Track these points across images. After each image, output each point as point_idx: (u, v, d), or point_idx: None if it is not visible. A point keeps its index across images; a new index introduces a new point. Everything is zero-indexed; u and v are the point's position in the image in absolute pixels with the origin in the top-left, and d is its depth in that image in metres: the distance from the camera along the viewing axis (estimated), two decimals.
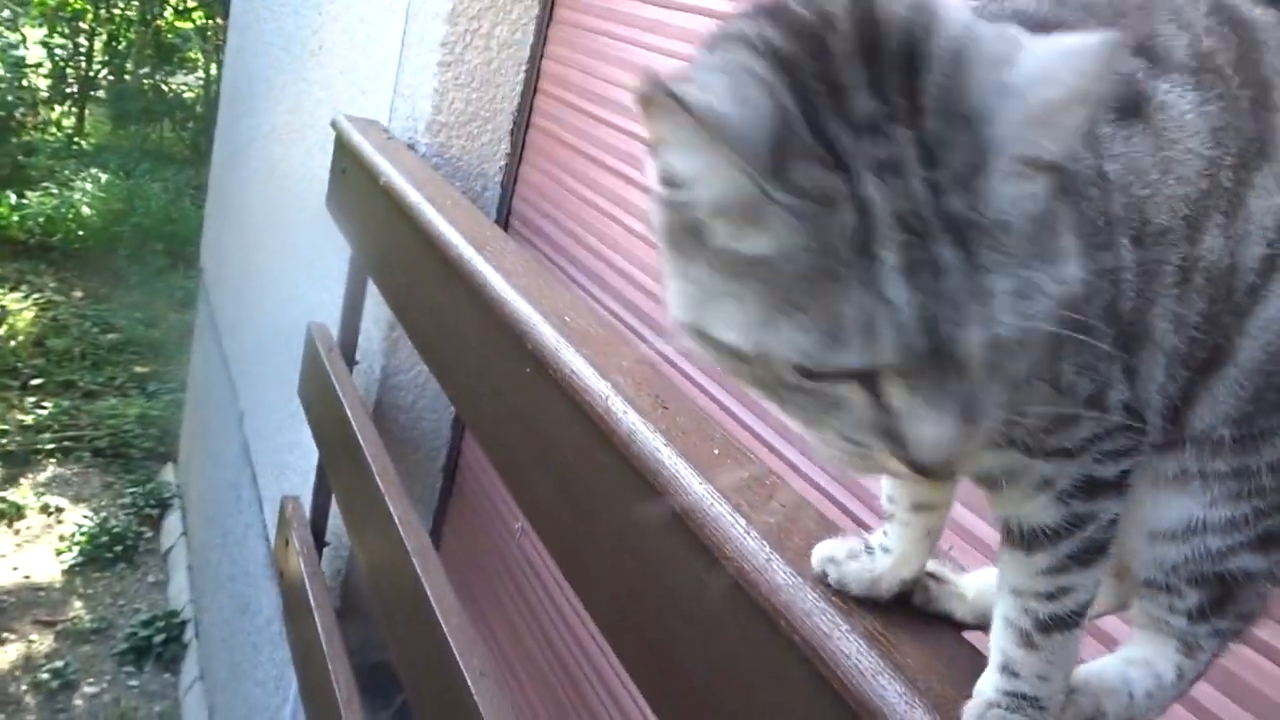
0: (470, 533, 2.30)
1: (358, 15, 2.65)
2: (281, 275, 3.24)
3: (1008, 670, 0.61)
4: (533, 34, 2.14)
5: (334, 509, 2.26)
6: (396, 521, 1.61)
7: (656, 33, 1.80)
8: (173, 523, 5.01)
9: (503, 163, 2.20)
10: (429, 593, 1.43)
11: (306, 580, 2.08)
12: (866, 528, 1.20)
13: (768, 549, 0.78)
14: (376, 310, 2.19)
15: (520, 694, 1.94)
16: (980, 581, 0.73)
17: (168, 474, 5.40)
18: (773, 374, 0.47)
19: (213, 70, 8.90)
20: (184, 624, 4.37)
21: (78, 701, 4.04)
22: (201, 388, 4.80)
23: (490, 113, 2.16)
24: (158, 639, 4.30)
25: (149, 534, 5.03)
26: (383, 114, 2.31)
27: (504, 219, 2.23)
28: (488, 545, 2.18)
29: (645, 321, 1.69)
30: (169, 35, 9.31)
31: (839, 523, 1.20)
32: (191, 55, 9.65)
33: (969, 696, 0.65)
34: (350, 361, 2.21)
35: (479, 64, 2.12)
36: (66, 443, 5.50)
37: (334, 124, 2.16)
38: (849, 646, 0.68)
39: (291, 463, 2.86)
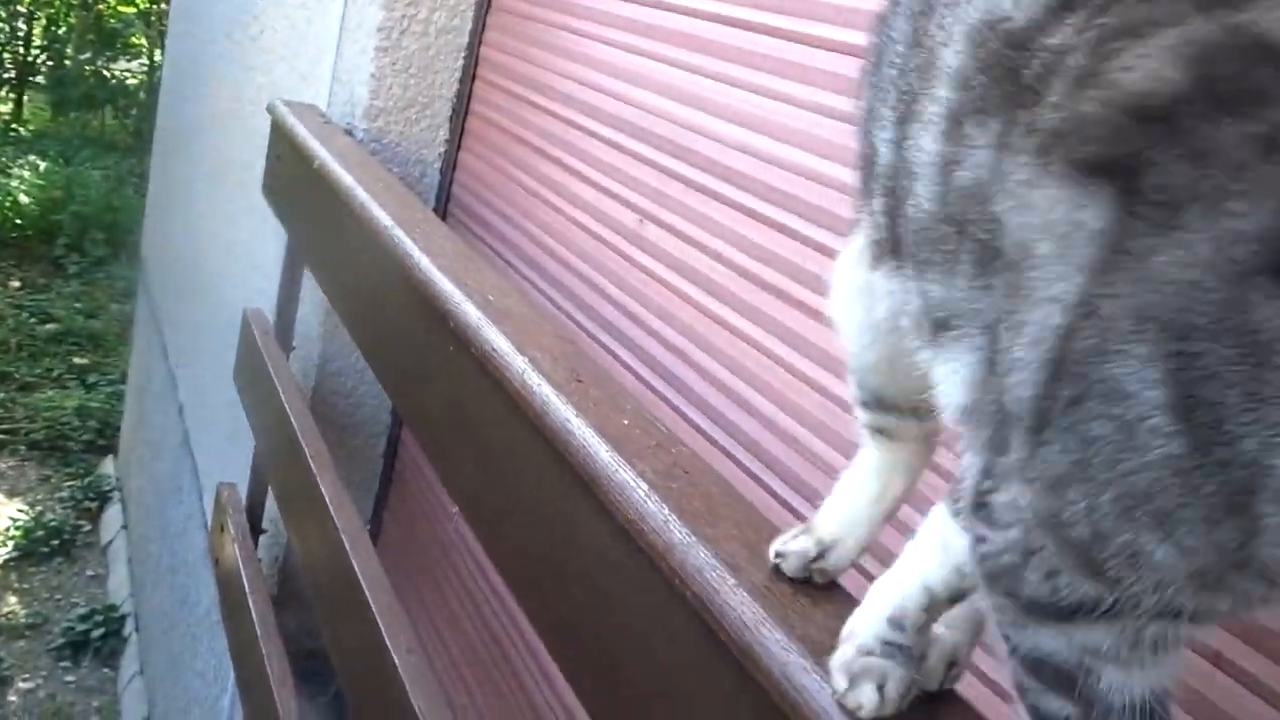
0: (410, 517, 2.31)
1: (297, 0, 2.63)
2: (221, 263, 3.21)
3: (896, 624, 0.64)
4: (471, 20, 2.15)
5: (271, 496, 2.25)
6: (328, 503, 1.61)
7: (595, 21, 1.82)
8: (112, 516, 4.92)
9: (441, 149, 2.21)
10: (359, 572, 1.45)
11: (241, 565, 2.08)
12: (786, 504, 1.24)
13: (666, 511, 0.81)
14: (315, 296, 2.18)
15: (454, 670, 1.96)
16: (836, 518, 0.75)
17: (107, 467, 5.31)
18: None
19: (157, 56, 8.73)
20: (123, 618, 4.31)
21: (12, 698, 3.96)
22: (142, 379, 4.72)
23: (428, 99, 2.17)
24: (96, 634, 4.23)
25: (88, 528, 4.95)
26: (322, 100, 2.30)
27: (443, 205, 2.24)
28: (427, 530, 2.19)
29: (579, 306, 1.72)
30: (111, 20, 9.11)
31: (760, 501, 1.24)
32: (135, 40, 9.45)
33: None
34: (287, 347, 2.21)
35: (417, 50, 2.13)
36: (2, 436, 5.38)
37: (270, 109, 2.15)
38: (735, 599, 0.72)
39: (231, 452, 2.84)
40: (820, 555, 0.74)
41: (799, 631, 0.69)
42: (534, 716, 1.64)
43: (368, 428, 2.38)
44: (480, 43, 2.16)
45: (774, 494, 1.22)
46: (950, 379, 0.54)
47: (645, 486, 0.84)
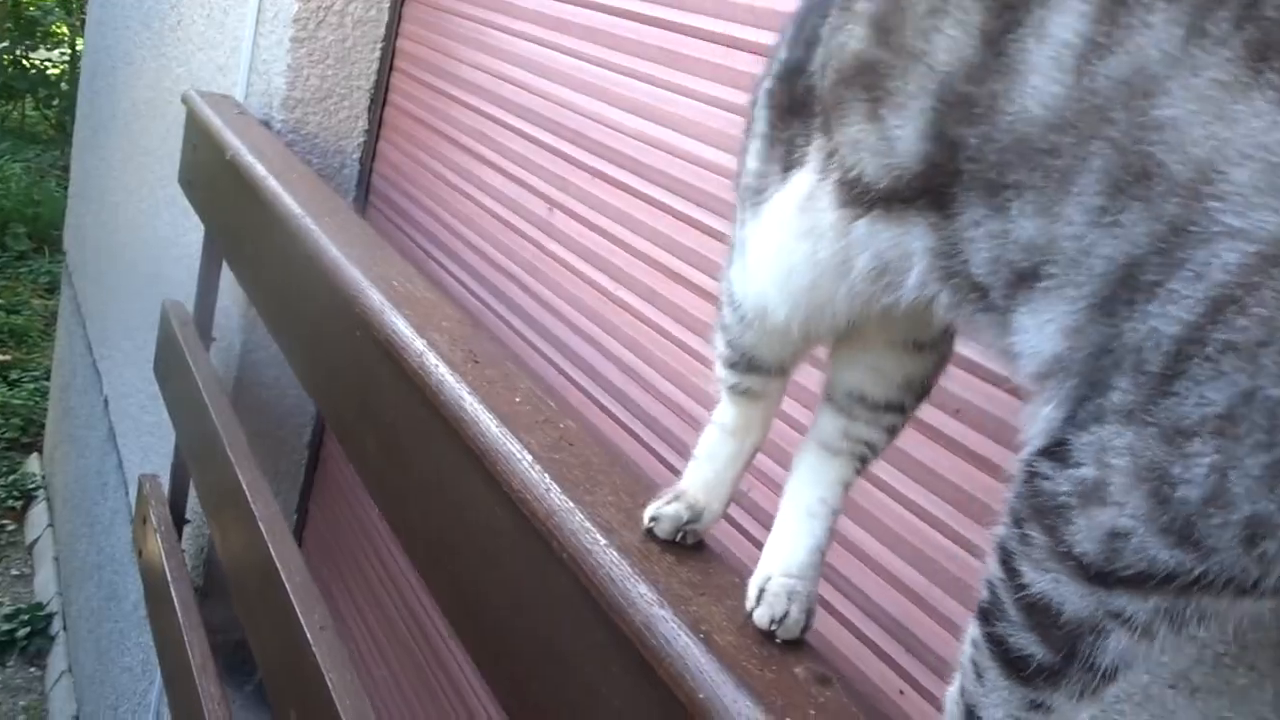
0: (335, 504, 2.33)
1: None
2: (143, 255, 3.17)
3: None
4: (387, 12, 2.17)
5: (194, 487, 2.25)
6: (245, 489, 1.63)
7: (506, 13, 1.86)
8: (38, 514, 4.83)
9: (360, 139, 2.23)
10: (274, 554, 1.47)
11: (164, 556, 2.08)
12: (677, 472, 1.30)
13: (548, 479, 0.86)
14: (236, 287, 2.19)
15: (376, 647, 1.99)
16: (703, 482, 0.79)
17: (32, 465, 5.19)
18: None
19: (79, 45, 8.49)
20: (50, 617, 4.23)
21: None
22: (66, 375, 4.63)
23: (346, 90, 2.18)
24: (21, 633, 4.15)
25: (12, 527, 4.84)
26: (239, 90, 2.30)
27: (363, 194, 2.25)
28: (350, 515, 2.22)
29: (491, 291, 1.76)
30: (30, 8, 8.83)
31: (653, 469, 1.30)
32: (56, 29, 9.17)
33: (704, 594, 0.75)
34: (207, 338, 2.21)
35: (333, 41, 2.14)
36: None
37: (185, 99, 2.15)
38: (604, 558, 0.77)
39: (155, 444, 2.82)
40: (692, 519, 0.80)
41: (663, 585, 0.74)
42: (449, 684, 1.69)
43: (293, 417, 2.39)
44: (397, 34, 2.18)
45: (668, 464, 1.28)
46: (1036, 334, 0.46)
47: (530, 458, 0.89)
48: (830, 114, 0.56)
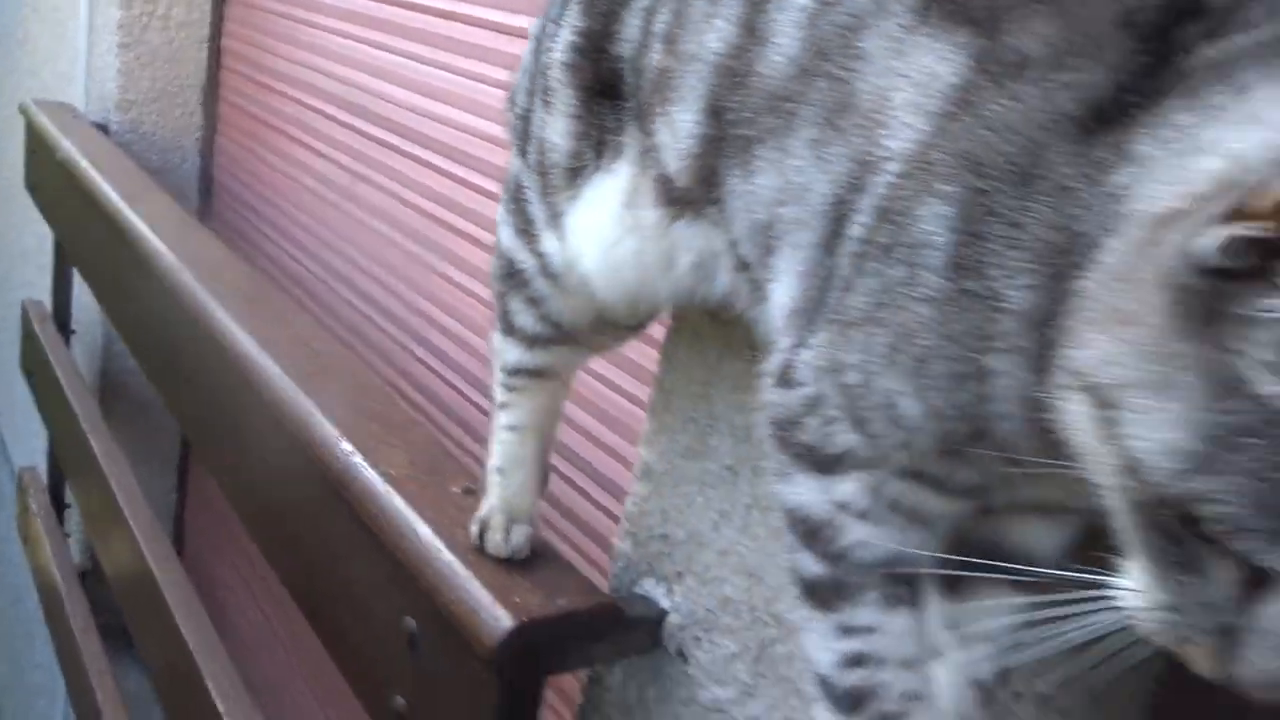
0: (210, 482, 2.49)
1: (52, 4, 2.73)
2: (6, 264, 3.27)
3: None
4: (210, 13, 2.33)
5: None
6: (98, 458, 1.80)
7: (324, 13, 2.03)
8: None
9: (198, 135, 2.38)
10: (122, 505, 1.65)
11: (44, 535, 2.23)
12: (455, 388, 1.52)
13: (291, 384, 1.07)
14: None
15: (255, 602, 2.18)
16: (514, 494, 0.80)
17: None
18: (1149, 491, 0.34)
19: None
20: None
21: None
22: None
23: (177, 89, 2.34)
24: None
25: None
26: (80, 96, 2.44)
27: (206, 187, 2.41)
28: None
29: (311, 256, 1.95)
30: None
31: (433, 385, 1.51)
32: None
33: (393, 445, 0.96)
34: (65, 333, 2.35)
35: (160, 44, 2.29)
36: None
37: (22, 109, 2.28)
38: (321, 430, 0.98)
39: (40, 446, 2.94)
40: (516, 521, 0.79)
41: (362, 444, 0.96)
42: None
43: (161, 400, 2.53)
44: (221, 34, 2.34)
45: (446, 380, 1.51)
46: (781, 292, 0.52)
47: (278, 370, 1.09)
48: (645, 117, 0.60)
